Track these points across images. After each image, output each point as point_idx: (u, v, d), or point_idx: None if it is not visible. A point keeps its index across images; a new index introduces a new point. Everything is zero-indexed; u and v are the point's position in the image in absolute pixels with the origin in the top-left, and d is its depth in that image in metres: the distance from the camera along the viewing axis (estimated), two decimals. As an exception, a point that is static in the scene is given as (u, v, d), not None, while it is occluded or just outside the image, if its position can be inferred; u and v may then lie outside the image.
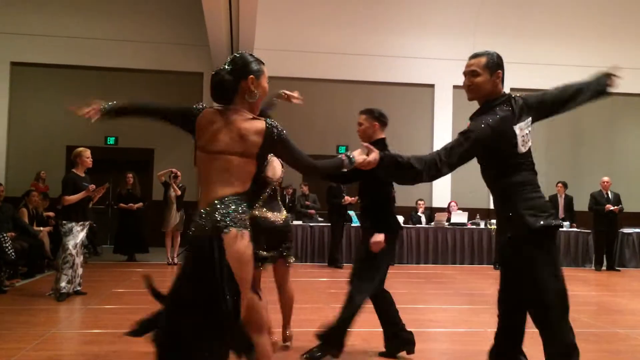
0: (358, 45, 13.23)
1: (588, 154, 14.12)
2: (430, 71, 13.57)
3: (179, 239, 9.95)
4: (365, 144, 2.74)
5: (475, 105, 2.84)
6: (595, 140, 14.18)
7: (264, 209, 4.05)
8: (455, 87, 13.65)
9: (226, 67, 2.40)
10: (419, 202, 11.85)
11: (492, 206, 10.31)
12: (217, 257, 2.19)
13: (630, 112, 14.28)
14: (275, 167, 4.11)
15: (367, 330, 4.77)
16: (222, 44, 11.40)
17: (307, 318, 5.25)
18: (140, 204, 10.29)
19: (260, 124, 2.36)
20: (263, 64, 2.50)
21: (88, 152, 6.55)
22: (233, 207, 2.27)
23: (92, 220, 7.04)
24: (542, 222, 2.57)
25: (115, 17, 12.84)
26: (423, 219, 11.65)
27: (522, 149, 2.66)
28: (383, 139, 3.92)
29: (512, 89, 13.75)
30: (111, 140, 12.84)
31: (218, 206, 2.26)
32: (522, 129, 2.66)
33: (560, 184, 11.54)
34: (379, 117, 3.95)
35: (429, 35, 13.59)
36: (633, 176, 13.83)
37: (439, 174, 2.60)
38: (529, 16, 13.57)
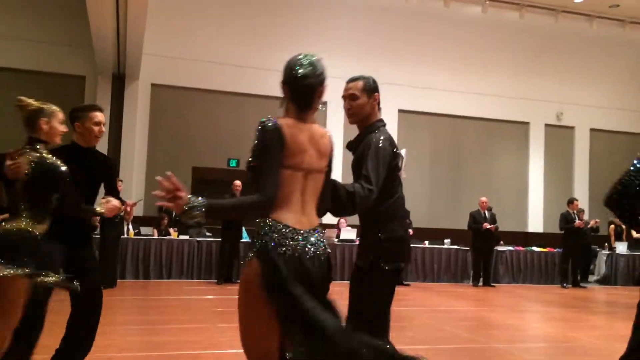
0: (250, 57, 13.10)
1: (467, 175, 14.95)
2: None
3: None
4: None
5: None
6: (473, 163, 15.06)
7: None
8: (346, 105, 13.89)
9: (310, 69, 2.18)
10: (309, 218, 11.84)
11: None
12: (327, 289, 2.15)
13: (504, 137, 15.35)
14: None
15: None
16: (107, 46, 10.74)
17: (192, 339, 4.95)
18: None
19: (327, 132, 2.24)
20: None
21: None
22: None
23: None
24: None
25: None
26: (312, 235, 11.64)
27: (404, 175, 2.77)
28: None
29: (399, 110, 14.34)
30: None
31: (322, 234, 2.16)
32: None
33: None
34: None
35: (321, 53, 13.62)
36: (506, 197, 14.84)
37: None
38: (416, 43, 14.17)
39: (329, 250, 2.17)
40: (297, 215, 2.09)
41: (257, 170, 2.08)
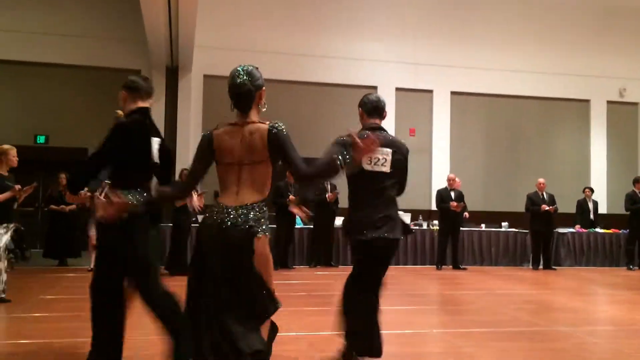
0: (301, 45, 13.11)
1: (524, 157, 14.53)
2: (373, 73, 13.61)
3: None
4: (351, 132, 2.73)
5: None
6: (531, 143, 14.62)
7: None
8: (397, 89, 13.74)
9: (245, 78, 2.60)
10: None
11: (434, 207, 10.42)
12: (249, 257, 2.46)
13: (564, 116, 14.81)
14: None
15: (312, 334, 4.63)
16: (160, 40, 10.99)
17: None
18: (73, 206, 9.76)
19: (263, 128, 2.58)
20: None
21: (14, 151, 6.13)
22: (260, 213, 2.55)
23: (18, 222, 6.56)
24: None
25: (46, 8, 12.19)
26: (366, 221, 11.61)
27: (367, 167, 3.52)
28: (141, 108, 3.38)
29: (452, 92, 14.05)
30: (41, 139, 12.18)
31: (250, 210, 2.52)
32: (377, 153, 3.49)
33: (587, 189, 12.33)
34: (128, 87, 3.38)
35: (372, 37, 13.66)
36: (566, 178, 14.34)
37: None
38: (468, 22, 13.86)
39: (252, 223, 2.50)
40: (232, 197, 2.57)
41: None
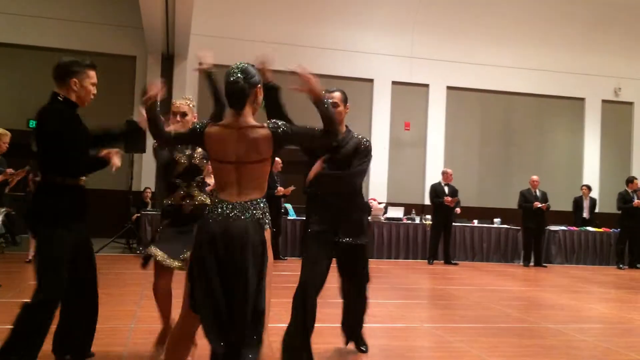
0: (298, 36, 13.05)
1: (518, 153, 14.58)
2: (370, 66, 13.59)
3: None
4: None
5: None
6: (525, 140, 14.66)
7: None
8: (393, 82, 13.73)
9: (239, 76, 2.55)
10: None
11: (427, 202, 10.43)
12: (261, 248, 2.49)
13: (558, 113, 14.86)
14: None
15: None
16: (157, 27, 10.91)
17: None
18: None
19: (265, 132, 2.55)
20: None
21: (7, 137, 6.05)
22: (264, 207, 2.58)
23: (9, 207, 6.53)
24: None
25: (42, -8, 12.06)
26: (359, 213, 11.61)
27: None
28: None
29: (448, 87, 14.05)
30: (34, 124, 12.07)
31: (254, 205, 2.54)
32: None
33: (584, 187, 12.27)
34: None
35: (370, 30, 13.62)
36: (559, 176, 14.40)
37: None
38: (466, 17, 13.83)
39: (259, 215, 2.54)
40: (234, 195, 2.56)
41: None
